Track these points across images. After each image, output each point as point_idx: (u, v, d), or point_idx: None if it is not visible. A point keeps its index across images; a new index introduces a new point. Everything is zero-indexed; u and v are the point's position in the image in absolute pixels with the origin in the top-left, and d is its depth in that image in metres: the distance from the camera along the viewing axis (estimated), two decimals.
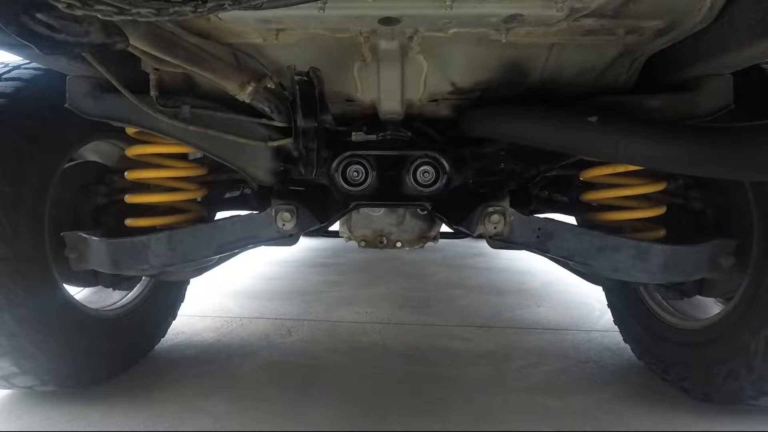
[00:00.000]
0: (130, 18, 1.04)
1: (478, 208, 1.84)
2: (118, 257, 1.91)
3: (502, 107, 1.82)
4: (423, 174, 1.96)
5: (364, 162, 1.96)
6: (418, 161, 1.96)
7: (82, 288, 2.25)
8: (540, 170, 1.97)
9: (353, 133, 2.03)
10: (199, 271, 2.27)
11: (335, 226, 2.38)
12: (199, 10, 1.02)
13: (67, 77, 1.84)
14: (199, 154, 2.17)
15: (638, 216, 1.99)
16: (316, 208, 1.93)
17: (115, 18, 1.04)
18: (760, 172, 1.42)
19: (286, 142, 1.90)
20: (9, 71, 1.92)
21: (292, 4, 1.11)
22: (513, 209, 1.82)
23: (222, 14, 1.39)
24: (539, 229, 1.85)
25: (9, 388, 2.03)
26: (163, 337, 2.58)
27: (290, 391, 2.15)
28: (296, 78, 1.70)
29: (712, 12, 1.39)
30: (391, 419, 1.92)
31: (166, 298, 2.56)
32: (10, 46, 1.51)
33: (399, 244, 2.30)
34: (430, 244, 2.36)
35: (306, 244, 5.44)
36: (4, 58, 1.98)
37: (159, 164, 2.10)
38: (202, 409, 1.99)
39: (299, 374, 2.31)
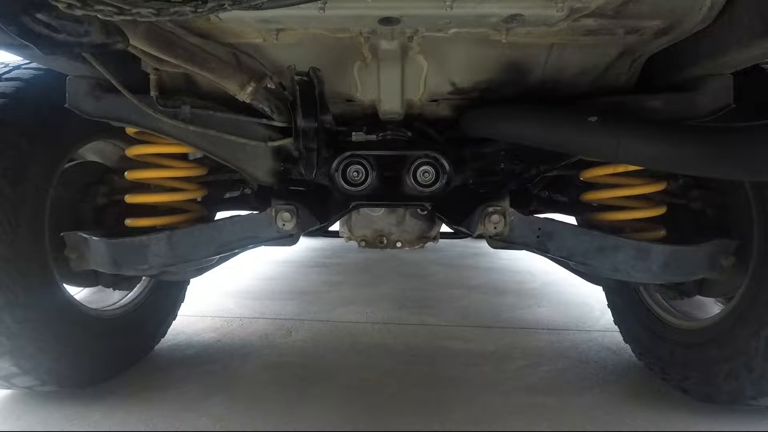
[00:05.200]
0: (130, 18, 1.04)
1: (478, 208, 1.84)
2: (118, 257, 1.90)
3: (502, 107, 1.81)
4: (423, 174, 1.96)
5: (364, 162, 1.96)
6: (418, 161, 1.96)
7: (82, 288, 2.25)
8: (540, 170, 1.97)
9: (353, 133, 2.03)
10: (199, 271, 2.27)
11: (335, 226, 2.38)
12: (199, 10, 1.02)
13: (67, 77, 1.84)
14: (199, 154, 2.17)
15: (638, 216, 1.99)
16: (316, 208, 1.93)
17: (115, 18, 1.04)
18: (760, 172, 1.42)
19: (286, 142, 1.90)
20: (9, 71, 1.92)
21: (292, 4, 1.12)
22: (513, 209, 1.82)
23: (222, 14, 1.39)
24: (539, 229, 1.85)
25: (9, 388, 2.03)
26: (163, 337, 2.58)
27: (290, 391, 2.15)
28: (296, 78, 1.70)
29: (712, 12, 1.39)
30: (391, 419, 1.92)
31: (166, 298, 2.56)
32: (10, 46, 1.51)
33: (399, 244, 2.30)
34: (430, 244, 2.36)
35: (306, 244, 5.44)
36: (4, 58, 1.98)
37: (159, 164, 2.09)
38: (202, 410, 1.99)
39: (299, 374, 2.31)
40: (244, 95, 1.63)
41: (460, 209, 1.95)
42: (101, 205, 2.18)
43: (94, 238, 1.93)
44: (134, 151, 2.05)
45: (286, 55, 1.70)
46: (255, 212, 1.95)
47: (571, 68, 1.75)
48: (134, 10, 1.02)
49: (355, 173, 1.96)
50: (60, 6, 1.02)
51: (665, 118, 1.69)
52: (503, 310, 3.28)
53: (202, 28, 1.54)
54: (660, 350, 2.20)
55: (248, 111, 1.85)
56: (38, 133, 1.85)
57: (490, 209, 1.81)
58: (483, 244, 2.51)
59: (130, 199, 2.08)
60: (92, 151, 2.27)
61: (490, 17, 1.39)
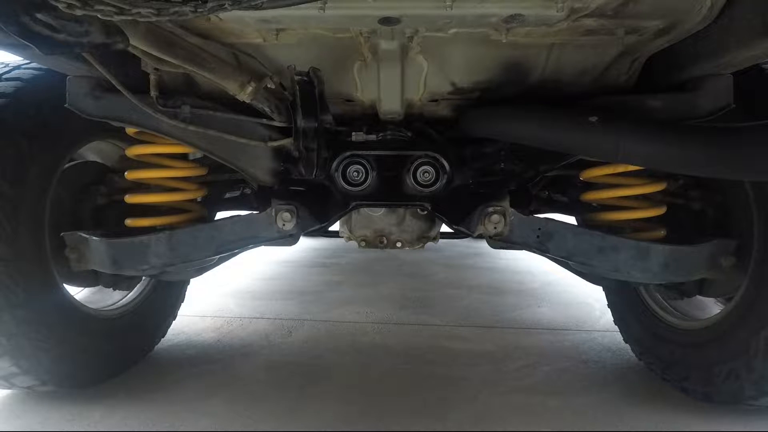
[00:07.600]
0: (130, 18, 1.04)
1: (478, 208, 1.84)
2: (118, 257, 1.91)
3: (502, 107, 1.81)
4: (423, 174, 1.96)
5: (364, 162, 1.96)
6: (418, 161, 1.96)
7: (82, 288, 2.25)
8: (540, 170, 1.97)
9: (353, 133, 2.02)
10: (199, 271, 2.27)
11: (335, 226, 2.38)
12: (199, 10, 1.02)
13: (67, 77, 1.84)
14: (199, 154, 2.17)
15: (638, 216, 1.99)
16: (316, 208, 1.93)
17: (115, 18, 1.04)
18: (760, 172, 1.42)
19: (286, 142, 1.90)
20: (9, 71, 1.92)
21: (292, 4, 1.11)
22: (513, 209, 1.82)
23: (222, 14, 1.39)
24: (539, 229, 1.85)
25: (9, 388, 2.03)
26: (163, 337, 2.58)
27: (290, 392, 2.15)
28: (296, 78, 1.70)
29: (712, 12, 1.39)
30: (391, 419, 1.92)
31: (166, 298, 2.56)
32: (10, 46, 1.51)
33: (399, 244, 2.29)
34: (430, 244, 2.36)
35: (306, 244, 5.44)
36: (4, 58, 1.98)
37: (159, 164, 2.09)
38: (203, 410, 1.99)
39: (299, 374, 2.31)
40: (244, 95, 1.62)
41: (460, 209, 1.95)
42: (101, 205, 2.18)
43: (94, 238, 1.93)
44: (134, 151, 2.05)
45: (286, 55, 1.70)
46: (255, 212, 1.95)
47: (571, 68, 1.75)
48: (134, 10, 1.02)
49: (355, 173, 1.96)
50: (60, 6, 1.02)
51: (665, 118, 1.69)
52: (503, 310, 3.28)
53: (202, 28, 1.54)
54: (660, 350, 2.20)
55: (248, 111, 1.85)
56: (38, 133, 1.85)
57: (490, 209, 1.81)
58: (483, 244, 2.51)
59: (130, 199, 2.08)
60: (92, 151, 2.27)
61: (490, 17, 1.39)
